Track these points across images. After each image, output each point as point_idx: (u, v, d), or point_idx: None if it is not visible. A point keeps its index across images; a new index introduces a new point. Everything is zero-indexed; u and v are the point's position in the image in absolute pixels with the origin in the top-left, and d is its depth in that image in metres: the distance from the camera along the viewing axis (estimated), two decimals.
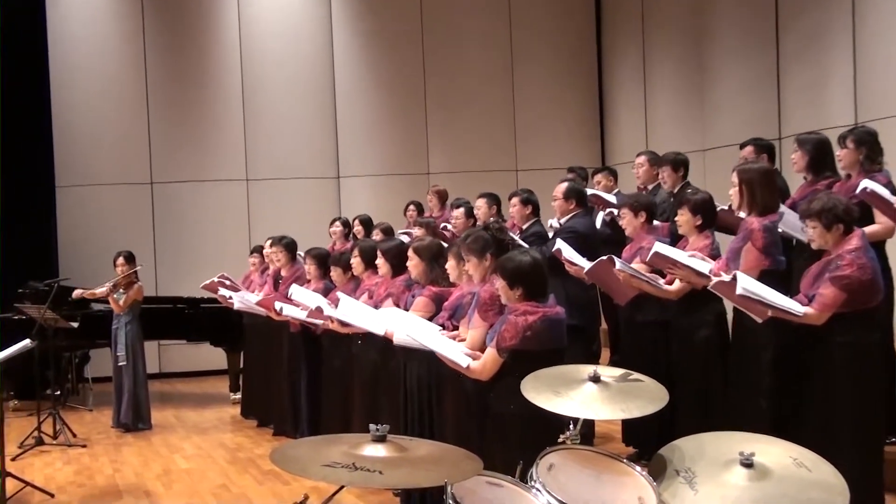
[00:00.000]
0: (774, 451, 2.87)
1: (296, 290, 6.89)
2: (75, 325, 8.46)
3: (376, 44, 11.54)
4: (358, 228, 8.67)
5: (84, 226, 11.04)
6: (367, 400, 6.03)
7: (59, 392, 8.83)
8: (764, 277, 4.43)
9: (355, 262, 6.47)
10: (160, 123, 11.23)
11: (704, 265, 4.85)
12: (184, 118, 11.24)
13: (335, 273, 6.82)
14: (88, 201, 11.08)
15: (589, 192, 7.01)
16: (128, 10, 11.19)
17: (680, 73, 10.01)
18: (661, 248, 4.97)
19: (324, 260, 7.16)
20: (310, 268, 7.27)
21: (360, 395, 6.16)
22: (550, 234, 6.24)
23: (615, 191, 7.78)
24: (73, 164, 11.10)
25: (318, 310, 6.30)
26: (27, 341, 6.27)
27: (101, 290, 8.28)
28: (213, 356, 9.91)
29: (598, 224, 6.95)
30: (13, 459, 6.91)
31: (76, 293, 8.53)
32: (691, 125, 9.67)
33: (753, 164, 5.03)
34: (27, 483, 6.08)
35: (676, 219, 5.29)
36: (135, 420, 8.20)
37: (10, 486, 5.90)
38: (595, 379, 3.35)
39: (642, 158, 6.94)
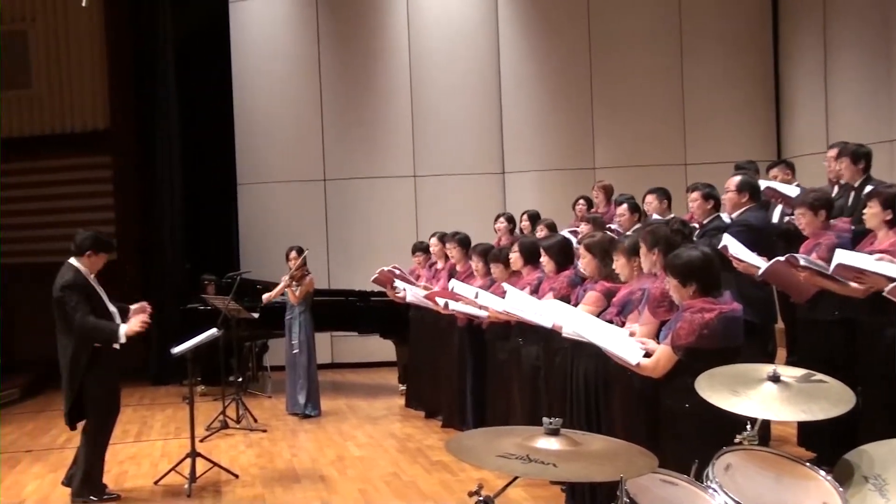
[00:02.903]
0: None
1: (457, 285, 7.01)
2: (256, 315, 8.92)
3: (542, 40, 11.51)
4: (525, 223, 8.70)
5: (262, 221, 11.63)
6: (528, 395, 6.05)
7: (241, 379, 9.33)
8: None
9: (514, 256, 6.50)
10: (333, 123, 11.66)
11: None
12: (355, 118, 11.63)
13: (496, 269, 6.89)
14: (266, 198, 11.67)
15: (764, 184, 6.74)
16: (304, 17, 11.68)
17: (865, 61, 9.45)
18: (844, 257, 4.66)
19: (488, 255, 7.23)
20: (476, 263, 7.37)
21: (521, 390, 6.19)
22: None
23: (794, 184, 7.43)
24: (253, 162, 11.72)
25: (478, 297, 6.41)
26: (214, 330, 6.68)
27: (279, 288, 8.64)
28: (382, 348, 10.21)
29: (776, 218, 6.67)
30: (201, 441, 7.39)
31: (265, 298, 8.90)
32: (877, 114, 9.12)
33: None
34: (215, 464, 6.48)
35: (865, 212, 4.99)
36: (306, 406, 8.56)
37: (200, 465, 6.30)
38: (775, 378, 3.23)
39: (835, 151, 6.58)
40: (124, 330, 5.82)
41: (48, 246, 11.36)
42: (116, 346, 5.83)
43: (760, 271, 5.13)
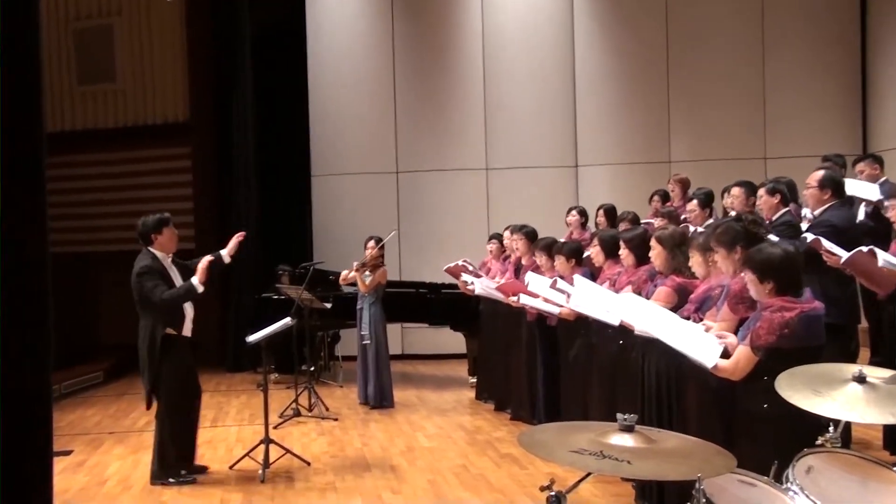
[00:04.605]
0: None
1: (532, 278, 6.96)
2: (328, 305, 9.00)
3: (618, 32, 11.36)
4: (601, 220, 8.58)
5: (335, 212, 11.75)
6: (605, 389, 5.97)
7: (313, 368, 9.44)
8: None
9: (594, 251, 6.40)
10: (406, 116, 11.71)
11: None
12: (428, 110, 11.66)
13: (558, 261, 6.84)
14: (340, 189, 11.78)
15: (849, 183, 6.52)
16: (379, 9, 11.75)
17: None
18: None
19: (551, 249, 7.17)
20: (540, 258, 7.32)
21: (599, 384, 6.11)
22: (804, 225, 5.89)
23: (881, 179, 7.15)
24: (327, 154, 11.84)
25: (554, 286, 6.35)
26: (287, 319, 6.76)
27: (352, 274, 8.69)
28: (452, 340, 10.22)
29: (861, 216, 6.45)
30: (275, 428, 7.50)
31: (341, 278, 8.96)
32: None
33: None
34: (288, 450, 6.57)
35: None
36: (378, 397, 8.61)
37: (273, 452, 6.41)
38: (860, 379, 3.11)
39: None
40: (196, 282, 6.03)
41: (130, 234, 11.61)
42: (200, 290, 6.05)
43: (842, 260, 5.00)
